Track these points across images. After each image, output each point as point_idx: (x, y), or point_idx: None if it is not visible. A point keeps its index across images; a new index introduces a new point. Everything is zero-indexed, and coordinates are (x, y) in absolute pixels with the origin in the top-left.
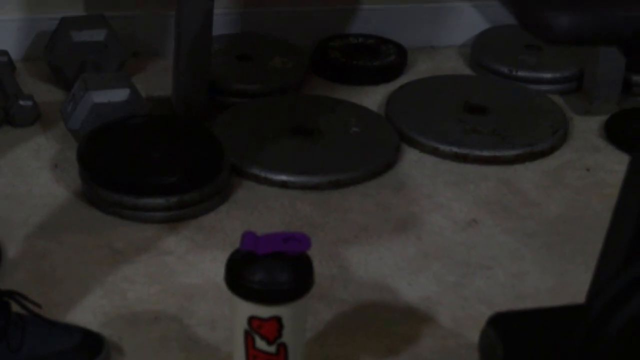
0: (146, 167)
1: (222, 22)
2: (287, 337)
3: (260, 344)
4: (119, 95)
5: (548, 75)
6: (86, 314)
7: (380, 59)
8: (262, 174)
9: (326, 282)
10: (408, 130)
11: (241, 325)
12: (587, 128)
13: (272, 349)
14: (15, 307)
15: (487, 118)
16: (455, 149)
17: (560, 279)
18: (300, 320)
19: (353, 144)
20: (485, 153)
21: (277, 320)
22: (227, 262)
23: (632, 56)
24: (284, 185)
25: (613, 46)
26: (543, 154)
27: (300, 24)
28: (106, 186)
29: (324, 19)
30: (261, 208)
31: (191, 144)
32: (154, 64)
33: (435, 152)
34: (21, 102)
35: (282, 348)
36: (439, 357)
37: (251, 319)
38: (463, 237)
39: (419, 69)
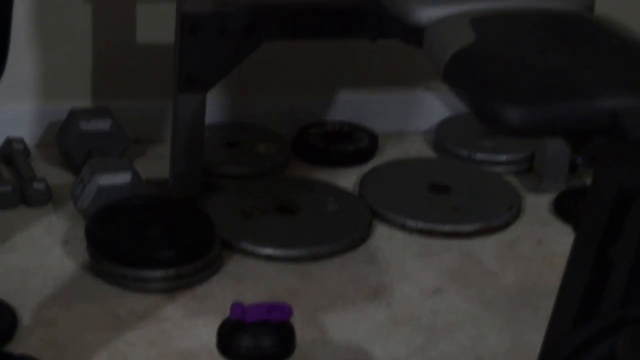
0: (146, 243)
1: (213, 112)
2: None
3: None
4: (122, 178)
5: (503, 158)
6: None
7: (354, 144)
8: (250, 248)
9: (307, 345)
10: (379, 208)
11: None
12: (538, 204)
13: None
14: None
15: (450, 196)
16: (421, 225)
17: (516, 342)
18: None
19: (330, 220)
20: (448, 228)
21: None
22: (219, 330)
23: (575, 145)
24: (269, 258)
25: (558, 137)
26: (499, 228)
27: (283, 113)
28: (111, 260)
29: (304, 109)
30: (249, 278)
31: (186, 222)
32: (153, 150)
33: (403, 228)
34: (35, 185)
35: None
36: None
37: None
38: (429, 304)
39: (389, 153)
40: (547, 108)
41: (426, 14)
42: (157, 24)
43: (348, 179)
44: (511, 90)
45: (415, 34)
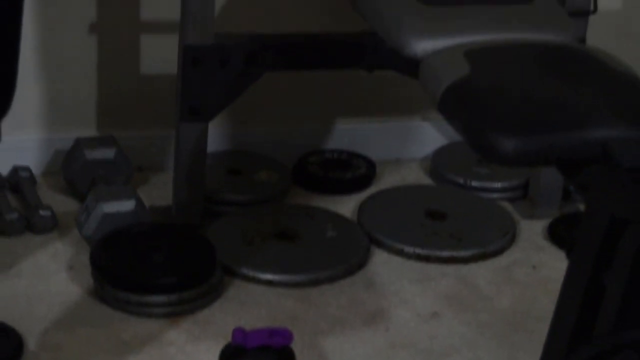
0: (150, 269)
1: (215, 141)
2: None
3: None
4: (126, 206)
5: (498, 185)
6: None
7: (352, 171)
8: (251, 274)
9: None
10: (377, 234)
11: None
12: (532, 231)
13: None
14: None
15: (446, 223)
16: (418, 251)
17: None
18: None
19: (329, 246)
20: (445, 254)
21: None
22: (220, 355)
23: (568, 174)
24: (269, 283)
25: (551, 166)
26: (495, 253)
27: (283, 141)
28: (115, 285)
29: (303, 138)
30: (250, 304)
31: (188, 248)
32: (156, 178)
33: (400, 253)
34: (41, 212)
35: None
36: None
37: None
38: (426, 328)
39: (386, 180)
40: (540, 138)
41: (422, 47)
42: (160, 56)
43: (346, 206)
44: (505, 121)
45: (411, 66)
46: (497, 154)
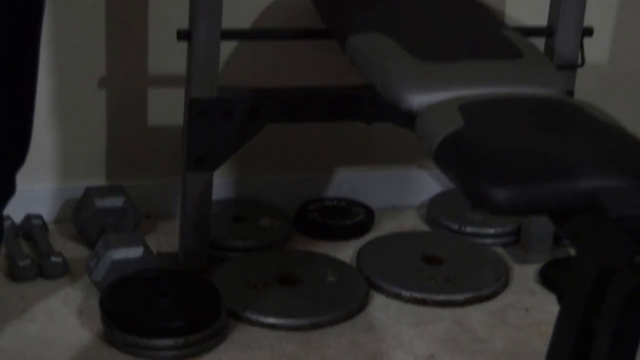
0: (157, 313)
1: (219, 189)
2: None
3: None
4: (134, 252)
5: (491, 231)
6: None
7: (351, 218)
8: (254, 318)
9: None
10: (376, 279)
11: None
12: (525, 275)
13: None
14: None
15: (442, 267)
16: (415, 294)
17: None
18: None
19: (330, 291)
20: (441, 297)
21: None
22: None
23: (559, 223)
24: (272, 327)
25: (543, 215)
26: (489, 297)
27: (285, 190)
28: (124, 329)
29: (304, 186)
30: (253, 347)
31: (194, 293)
32: (163, 225)
33: (398, 297)
34: (53, 259)
35: None
36: None
37: None
38: None
39: (384, 227)
40: (531, 189)
41: (417, 101)
42: (167, 108)
43: (346, 251)
44: (497, 172)
45: (407, 119)
46: (490, 205)
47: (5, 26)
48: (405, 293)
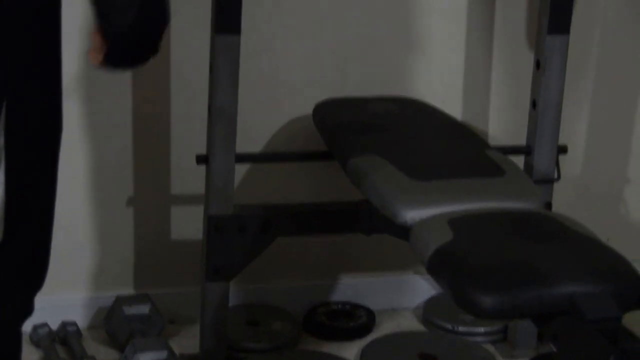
0: None
1: (235, 296)
2: None
3: None
4: (160, 355)
5: (481, 330)
6: None
7: (355, 320)
8: None
9: None
10: None
11: None
12: None
13: None
14: None
15: None
16: None
17: None
18: None
19: None
20: None
21: None
22: None
23: (540, 325)
24: None
25: (526, 319)
26: None
27: (294, 295)
28: None
29: (312, 292)
30: None
31: None
32: (185, 330)
33: None
34: None
35: None
36: None
37: None
38: None
39: (384, 327)
40: (514, 296)
41: (411, 216)
42: (188, 224)
43: (350, 351)
44: (483, 281)
45: (403, 231)
46: (477, 310)
47: (21, 174)
48: None
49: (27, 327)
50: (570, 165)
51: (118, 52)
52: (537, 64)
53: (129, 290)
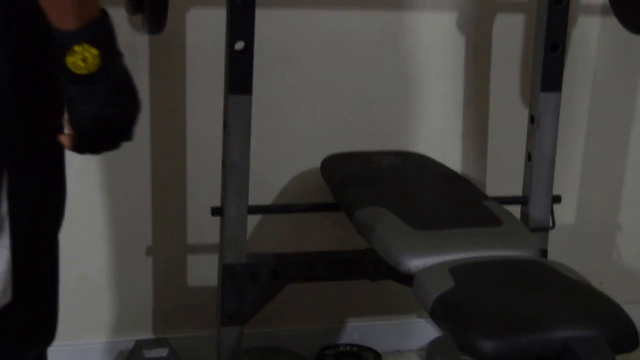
0: None
1: (249, 339)
2: None
3: None
4: None
5: None
6: None
7: None
8: None
9: None
10: None
11: None
12: None
13: None
14: None
15: None
16: None
17: None
18: None
19: None
20: None
21: None
22: None
23: None
24: None
25: None
26: None
27: (305, 338)
28: None
29: (321, 334)
30: None
31: None
32: None
33: None
34: None
35: None
36: None
37: None
38: None
39: None
40: (513, 340)
41: (414, 264)
42: (203, 272)
43: None
44: (483, 327)
45: (406, 278)
46: (479, 354)
47: (28, 233)
48: None
49: None
50: (564, 213)
51: (85, 139)
52: (532, 119)
53: (148, 335)
